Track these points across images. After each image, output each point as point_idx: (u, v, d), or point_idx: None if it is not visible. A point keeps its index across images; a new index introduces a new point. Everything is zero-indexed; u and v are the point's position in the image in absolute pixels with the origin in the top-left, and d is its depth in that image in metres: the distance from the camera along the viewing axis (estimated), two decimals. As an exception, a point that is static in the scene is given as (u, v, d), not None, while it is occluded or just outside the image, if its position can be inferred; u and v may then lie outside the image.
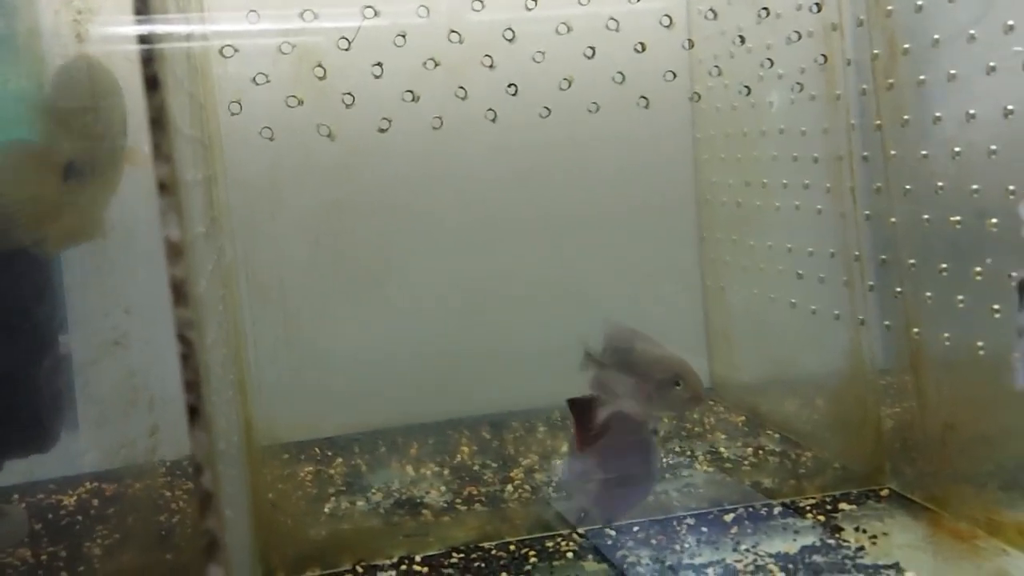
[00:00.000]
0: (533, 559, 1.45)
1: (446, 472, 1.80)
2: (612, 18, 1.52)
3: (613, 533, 1.52)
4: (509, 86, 1.48)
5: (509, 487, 1.71)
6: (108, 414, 1.57)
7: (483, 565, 1.43)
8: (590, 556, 1.46)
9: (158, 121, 0.78)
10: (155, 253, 1.50)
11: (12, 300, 1.58)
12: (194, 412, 0.80)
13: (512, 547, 1.49)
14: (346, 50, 1.40)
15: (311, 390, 1.79)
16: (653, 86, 1.57)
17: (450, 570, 1.43)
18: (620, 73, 1.55)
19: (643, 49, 1.54)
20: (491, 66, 1.49)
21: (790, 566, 1.36)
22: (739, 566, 1.37)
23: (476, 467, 1.81)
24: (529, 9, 1.47)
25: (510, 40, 1.48)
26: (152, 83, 0.78)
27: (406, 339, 1.91)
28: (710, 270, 2.12)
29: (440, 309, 1.94)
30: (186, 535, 1.55)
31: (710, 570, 1.37)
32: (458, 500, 1.67)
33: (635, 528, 1.53)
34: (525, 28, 1.49)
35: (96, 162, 1.47)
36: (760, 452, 1.80)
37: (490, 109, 1.52)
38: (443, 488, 1.73)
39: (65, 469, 1.80)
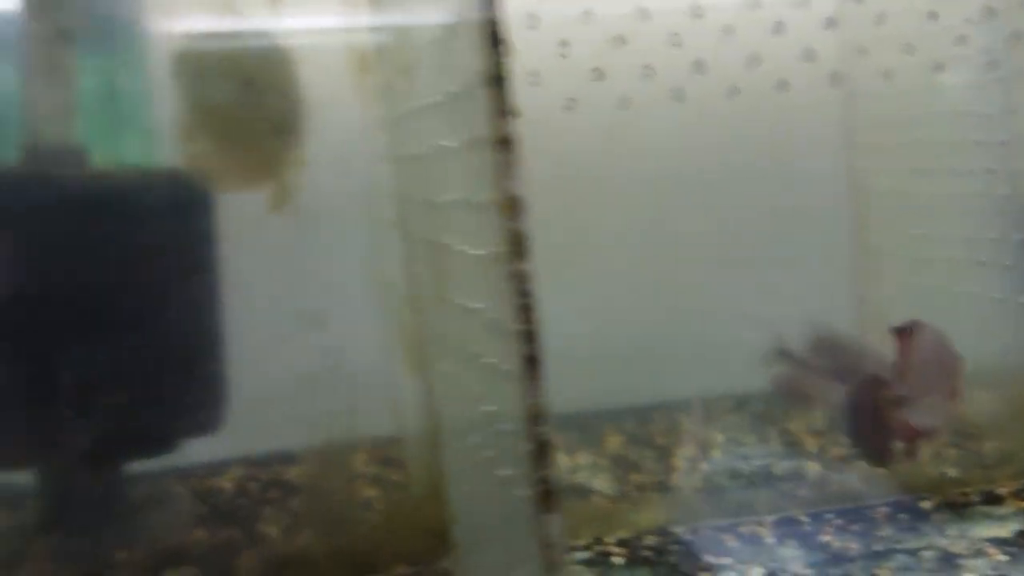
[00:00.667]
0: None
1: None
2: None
3: (805, 519, 1.52)
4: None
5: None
6: (302, 392, 1.60)
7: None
8: (789, 541, 1.46)
9: (499, 78, 0.80)
10: (350, 229, 1.55)
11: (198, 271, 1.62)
12: (532, 362, 0.81)
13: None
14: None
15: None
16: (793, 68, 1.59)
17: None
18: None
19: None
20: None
21: (1012, 549, 1.34)
22: (955, 550, 1.36)
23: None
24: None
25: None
26: (495, 40, 0.80)
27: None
28: (867, 257, 2.10)
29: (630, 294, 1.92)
30: (379, 516, 1.56)
31: (926, 553, 1.36)
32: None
33: (828, 515, 1.53)
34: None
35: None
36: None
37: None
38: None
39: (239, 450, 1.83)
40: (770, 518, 1.55)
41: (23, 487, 1.72)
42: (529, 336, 0.80)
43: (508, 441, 0.93)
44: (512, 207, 0.79)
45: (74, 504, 1.68)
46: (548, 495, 0.82)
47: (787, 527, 1.51)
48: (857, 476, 1.64)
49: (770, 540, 1.47)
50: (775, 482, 1.66)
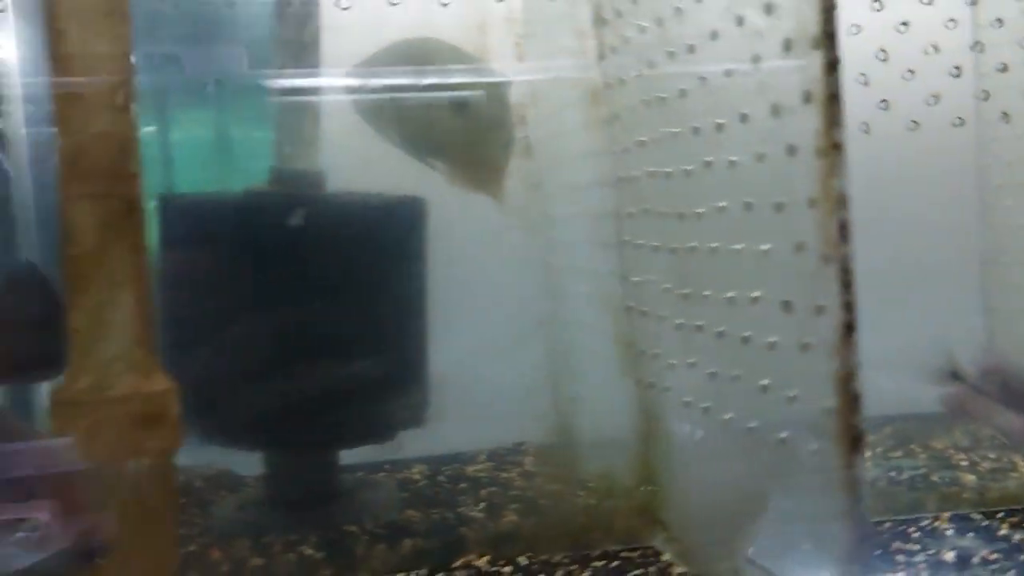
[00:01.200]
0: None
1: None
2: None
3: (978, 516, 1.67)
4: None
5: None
6: (530, 388, 1.78)
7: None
8: (968, 535, 1.61)
9: (835, 97, 1.00)
10: (577, 245, 1.76)
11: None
12: (850, 328, 1.00)
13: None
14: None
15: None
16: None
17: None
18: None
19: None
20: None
21: None
22: None
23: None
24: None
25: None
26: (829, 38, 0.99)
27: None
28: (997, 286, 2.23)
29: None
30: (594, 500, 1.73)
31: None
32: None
33: (1000, 514, 1.68)
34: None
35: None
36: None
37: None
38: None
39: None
40: (945, 515, 1.70)
41: (243, 474, 1.91)
42: (848, 306, 0.99)
43: (798, 406, 1.11)
44: (841, 201, 0.98)
45: (298, 484, 1.87)
46: (858, 440, 0.99)
47: (962, 522, 1.66)
48: (1014, 484, 1.79)
49: (950, 533, 1.62)
50: (937, 487, 1.81)
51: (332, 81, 1.80)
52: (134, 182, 1.15)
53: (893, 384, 2.05)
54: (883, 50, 1.80)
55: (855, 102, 1.74)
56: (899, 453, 2.05)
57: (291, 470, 1.84)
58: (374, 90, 1.76)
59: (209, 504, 1.84)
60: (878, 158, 1.85)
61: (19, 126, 1.73)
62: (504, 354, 1.84)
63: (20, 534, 1.44)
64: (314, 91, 1.82)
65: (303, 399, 1.77)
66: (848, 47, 1.64)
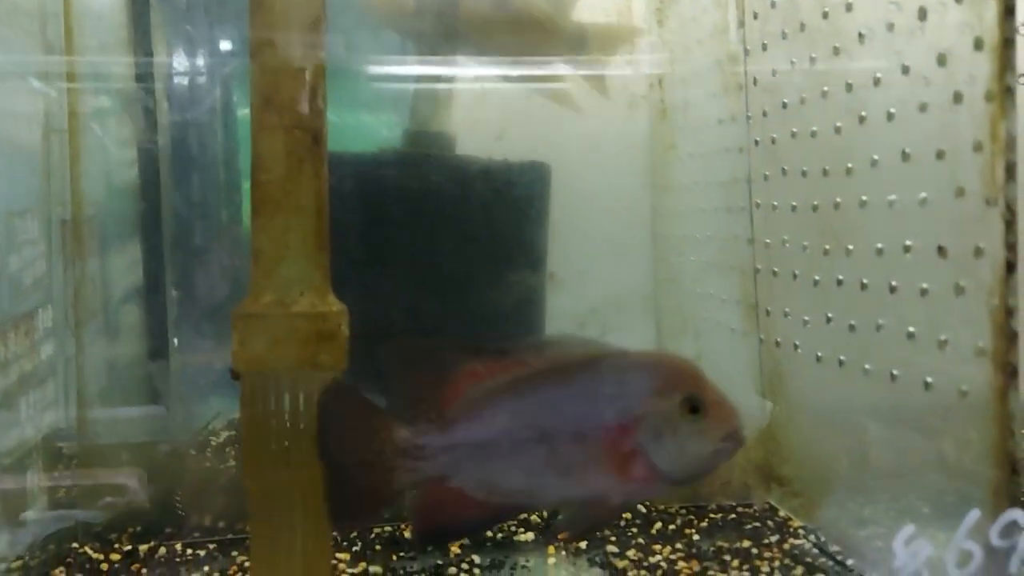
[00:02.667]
0: None
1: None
2: None
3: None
4: None
5: None
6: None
7: None
8: None
9: (1010, 41, 1.03)
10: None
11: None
12: (1011, 267, 1.03)
13: None
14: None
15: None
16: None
17: None
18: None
19: None
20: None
21: None
22: None
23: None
24: None
25: None
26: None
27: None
28: None
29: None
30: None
31: None
32: None
33: None
34: None
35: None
36: None
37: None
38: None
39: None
40: None
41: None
42: (1012, 247, 1.02)
43: (949, 350, 1.15)
44: (1009, 144, 1.02)
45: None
46: (1015, 375, 1.02)
47: None
48: None
49: None
50: None
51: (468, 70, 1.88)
52: (320, 116, 1.23)
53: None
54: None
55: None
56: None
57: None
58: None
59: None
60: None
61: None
62: (621, 313, 1.90)
63: (107, 499, 1.56)
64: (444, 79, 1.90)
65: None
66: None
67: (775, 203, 1.65)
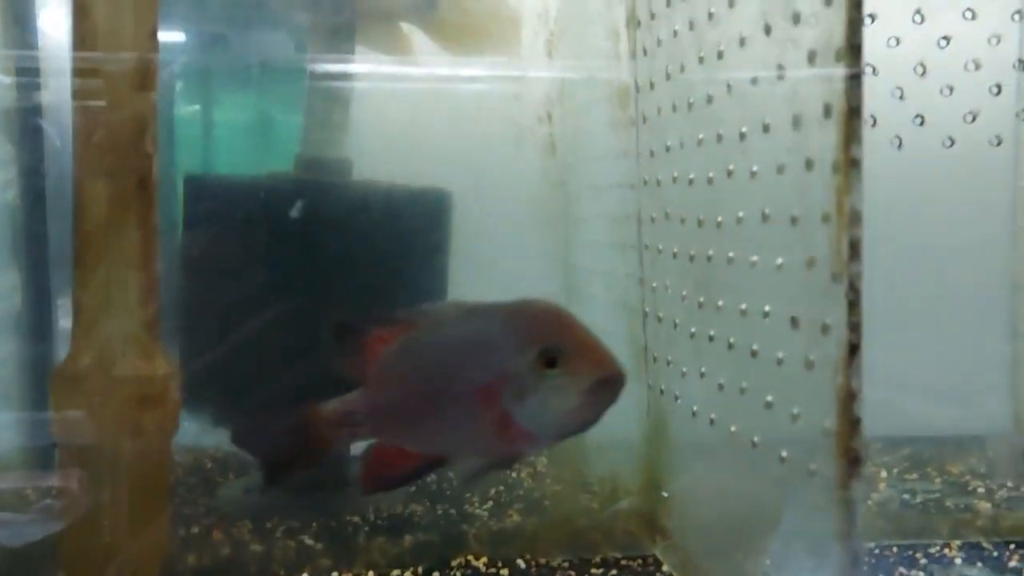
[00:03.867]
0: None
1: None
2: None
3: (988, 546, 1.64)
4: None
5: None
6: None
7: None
8: (977, 563, 1.57)
9: (855, 111, 0.97)
10: (599, 246, 1.75)
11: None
12: (854, 350, 0.98)
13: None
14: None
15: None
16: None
17: None
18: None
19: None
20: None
21: None
22: None
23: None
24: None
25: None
26: (854, 73, 0.97)
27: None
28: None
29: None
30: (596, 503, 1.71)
31: None
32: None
33: (1012, 545, 1.64)
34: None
35: None
36: None
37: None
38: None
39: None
40: (955, 542, 1.67)
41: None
42: (854, 326, 0.97)
43: (801, 424, 1.09)
44: (854, 218, 0.96)
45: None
46: (856, 463, 0.97)
47: (973, 551, 1.63)
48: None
49: (958, 562, 1.59)
50: (950, 512, 1.78)
51: (369, 67, 1.80)
52: (149, 161, 1.15)
53: (914, 405, 2.04)
54: (922, 64, 1.76)
55: (890, 116, 1.73)
56: (915, 476, 2.02)
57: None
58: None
59: (216, 486, 1.85)
60: (910, 174, 1.82)
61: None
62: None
63: (45, 502, 1.46)
64: (348, 77, 1.82)
65: (314, 385, 1.76)
66: (885, 60, 1.62)
67: (660, 246, 1.59)
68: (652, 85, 1.62)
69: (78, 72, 1.12)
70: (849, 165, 0.96)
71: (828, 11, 1.00)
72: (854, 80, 0.94)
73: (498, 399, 0.96)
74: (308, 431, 1.09)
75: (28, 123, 1.79)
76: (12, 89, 1.78)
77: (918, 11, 1.76)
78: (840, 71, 0.97)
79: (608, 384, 0.92)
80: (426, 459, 1.06)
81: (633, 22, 1.69)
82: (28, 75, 1.78)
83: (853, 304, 0.97)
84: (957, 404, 2.05)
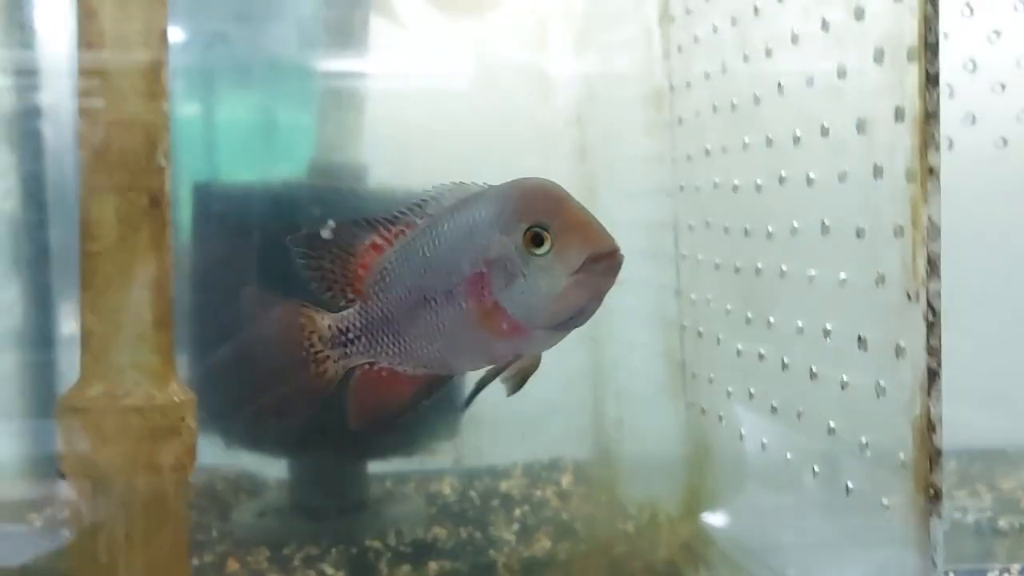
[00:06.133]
0: None
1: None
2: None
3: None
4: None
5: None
6: (571, 407, 1.69)
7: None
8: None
9: (932, 113, 0.89)
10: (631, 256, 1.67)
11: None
12: (933, 376, 0.89)
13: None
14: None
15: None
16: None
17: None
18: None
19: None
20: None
21: None
22: None
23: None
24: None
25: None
26: (931, 80, 0.88)
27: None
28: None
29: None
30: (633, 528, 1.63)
31: None
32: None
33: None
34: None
35: None
36: None
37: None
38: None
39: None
40: (1015, 566, 1.58)
41: (264, 477, 1.84)
42: (932, 351, 0.88)
43: (870, 454, 1.01)
44: (932, 232, 0.87)
45: (321, 492, 1.79)
46: (937, 499, 0.88)
47: (1035, 576, 1.54)
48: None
49: (1021, 586, 1.50)
50: (1006, 534, 1.69)
51: (384, 67, 1.72)
52: (161, 176, 1.07)
53: (960, 415, 1.91)
54: (972, 61, 1.67)
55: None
56: (963, 492, 1.92)
57: (315, 477, 1.77)
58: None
59: (229, 509, 1.77)
60: (962, 176, 1.72)
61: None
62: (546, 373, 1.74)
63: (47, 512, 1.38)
64: (360, 76, 1.74)
65: (333, 405, 1.69)
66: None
67: (700, 256, 1.51)
68: (689, 85, 1.53)
69: (83, 77, 1.04)
70: (927, 174, 0.87)
71: (898, 6, 0.91)
72: (932, 81, 0.85)
73: (488, 288, 0.88)
74: (306, 349, 0.98)
75: (27, 128, 1.72)
76: (10, 92, 1.72)
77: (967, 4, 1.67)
78: (914, 72, 0.88)
79: (600, 261, 0.83)
80: (422, 381, 0.98)
81: (666, 19, 1.60)
82: (27, 76, 1.71)
83: (932, 326, 0.88)
84: (1007, 414, 1.95)
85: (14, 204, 1.80)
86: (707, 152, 1.44)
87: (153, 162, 1.06)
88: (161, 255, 1.07)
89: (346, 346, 0.97)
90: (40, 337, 1.76)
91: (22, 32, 1.70)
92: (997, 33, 1.69)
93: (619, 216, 1.71)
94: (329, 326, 0.97)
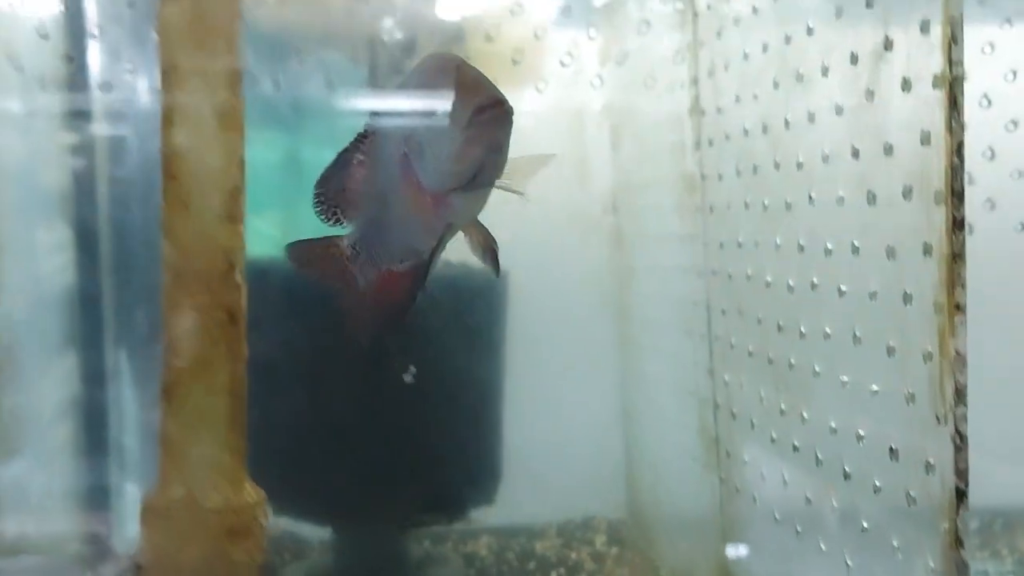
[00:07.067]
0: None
1: None
2: None
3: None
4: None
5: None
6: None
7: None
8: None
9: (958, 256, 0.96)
10: (665, 333, 1.74)
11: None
12: (961, 495, 0.96)
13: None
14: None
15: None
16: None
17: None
18: None
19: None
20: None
21: None
22: None
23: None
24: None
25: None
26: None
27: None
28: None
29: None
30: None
31: None
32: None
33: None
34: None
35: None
36: None
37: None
38: None
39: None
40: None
41: (308, 538, 1.91)
42: (961, 474, 0.95)
43: (903, 555, 1.08)
44: (959, 363, 0.94)
45: (365, 557, 1.87)
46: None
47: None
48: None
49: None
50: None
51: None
52: (238, 293, 1.15)
53: (980, 470, 1.98)
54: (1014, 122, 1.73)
55: (981, 173, 1.68)
56: (985, 554, 1.97)
57: (359, 541, 1.85)
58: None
59: (273, 571, 1.84)
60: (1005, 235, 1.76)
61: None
62: (580, 437, 1.83)
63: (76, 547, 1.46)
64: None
65: (375, 472, 1.77)
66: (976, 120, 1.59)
67: (732, 340, 1.58)
68: (720, 177, 1.61)
69: (166, 206, 1.13)
70: (953, 309, 0.95)
71: (926, 149, 0.98)
72: (958, 226, 0.93)
73: (410, 166, 0.95)
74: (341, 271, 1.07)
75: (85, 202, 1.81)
76: (68, 168, 1.81)
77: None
78: (941, 213, 0.96)
79: (485, 112, 0.88)
80: (409, 274, 1.04)
81: (696, 111, 1.68)
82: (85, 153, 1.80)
83: (960, 450, 0.95)
84: (1030, 471, 2.01)
85: (71, 278, 1.88)
86: (739, 244, 1.52)
87: (231, 280, 1.15)
88: (237, 365, 1.16)
89: (357, 257, 1.05)
90: (94, 410, 1.84)
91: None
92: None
93: (654, 294, 1.80)
94: (346, 245, 1.06)
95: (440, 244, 0.98)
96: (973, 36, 1.64)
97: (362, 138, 1.02)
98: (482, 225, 1.03)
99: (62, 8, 1.71)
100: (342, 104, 1.83)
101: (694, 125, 1.68)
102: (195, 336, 1.14)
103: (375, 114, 1.04)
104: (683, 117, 1.69)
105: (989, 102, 1.74)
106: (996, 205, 1.76)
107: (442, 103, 0.90)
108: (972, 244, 1.65)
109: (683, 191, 1.69)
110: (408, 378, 1.00)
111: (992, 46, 1.77)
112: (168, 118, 1.11)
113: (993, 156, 1.76)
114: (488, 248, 1.04)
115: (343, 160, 1.03)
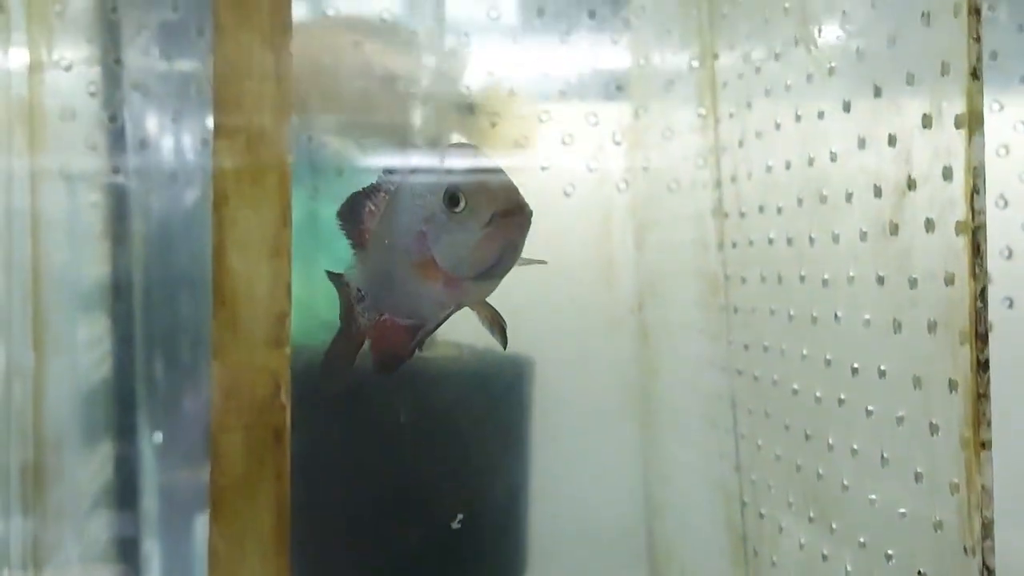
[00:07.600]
0: None
1: None
2: None
3: None
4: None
5: None
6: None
7: None
8: None
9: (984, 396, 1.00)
10: (693, 431, 1.79)
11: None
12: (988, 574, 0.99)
13: None
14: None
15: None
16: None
17: None
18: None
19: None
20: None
21: None
22: None
23: None
24: None
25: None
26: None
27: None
28: None
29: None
30: None
31: None
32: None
33: None
34: None
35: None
36: None
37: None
38: None
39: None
40: None
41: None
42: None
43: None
44: (986, 498, 0.98)
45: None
46: None
47: None
48: None
49: None
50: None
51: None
52: (283, 413, 1.20)
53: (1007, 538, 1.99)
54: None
55: (995, 229, 1.69)
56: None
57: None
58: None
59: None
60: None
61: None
62: (605, 530, 1.85)
63: None
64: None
65: (403, 555, 1.79)
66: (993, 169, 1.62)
67: (759, 442, 1.61)
68: (744, 280, 1.65)
69: (216, 330, 1.18)
70: (979, 447, 0.98)
71: (950, 290, 1.02)
72: (983, 367, 0.97)
73: (426, 244, 1.01)
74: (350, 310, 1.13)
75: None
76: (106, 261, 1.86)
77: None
78: (965, 352, 0.99)
79: (507, 216, 0.96)
80: (411, 331, 1.09)
81: (719, 213, 1.73)
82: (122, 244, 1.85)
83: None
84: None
85: (107, 371, 1.93)
86: (765, 348, 1.56)
87: (277, 401, 1.19)
88: (282, 483, 1.20)
89: (361, 301, 1.11)
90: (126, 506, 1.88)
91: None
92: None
93: (679, 387, 1.84)
94: (352, 286, 1.12)
95: (447, 318, 1.07)
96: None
97: (375, 190, 1.09)
98: (489, 304, 1.10)
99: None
100: (360, 162, 1.87)
101: (717, 226, 1.73)
102: (241, 455, 1.18)
103: (389, 171, 1.11)
104: (706, 216, 1.74)
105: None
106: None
107: (465, 195, 0.97)
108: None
109: (707, 289, 1.73)
110: (455, 525, 1.03)
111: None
112: (220, 246, 1.16)
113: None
114: (496, 324, 1.11)
115: (357, 201, 1.10)
